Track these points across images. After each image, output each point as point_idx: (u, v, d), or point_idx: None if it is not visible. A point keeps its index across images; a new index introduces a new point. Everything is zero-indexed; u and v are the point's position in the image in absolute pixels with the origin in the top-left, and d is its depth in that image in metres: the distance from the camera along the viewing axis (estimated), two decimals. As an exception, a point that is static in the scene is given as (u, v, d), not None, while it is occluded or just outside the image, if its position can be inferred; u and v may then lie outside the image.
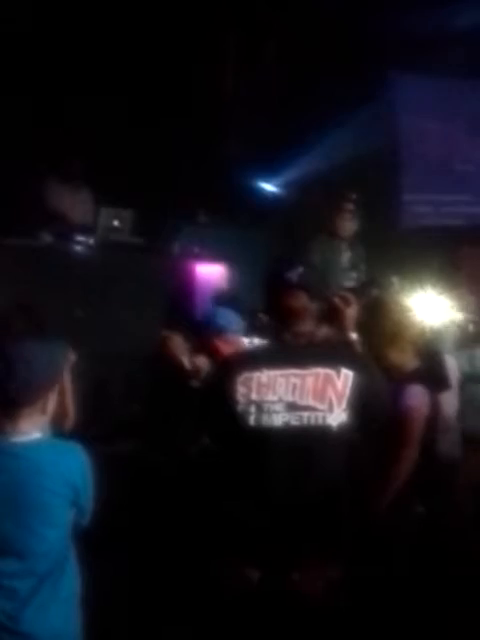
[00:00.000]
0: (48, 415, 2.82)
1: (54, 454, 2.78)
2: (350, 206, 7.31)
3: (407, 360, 3.91)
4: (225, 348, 4.35)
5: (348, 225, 7.30)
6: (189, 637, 3.60)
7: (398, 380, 3.78)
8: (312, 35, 8.27)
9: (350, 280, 7.15)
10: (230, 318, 4.50)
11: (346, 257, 7.33)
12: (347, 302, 3.63)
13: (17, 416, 2.74)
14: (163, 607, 3.96)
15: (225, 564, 3.20)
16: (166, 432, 4.42)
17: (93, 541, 2.94)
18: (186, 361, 4.50)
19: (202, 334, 4.48)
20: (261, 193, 8.95)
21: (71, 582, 2.83)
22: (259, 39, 8.91)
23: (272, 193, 9.00)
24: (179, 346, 4.57)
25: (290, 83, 8.58)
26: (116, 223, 7.18)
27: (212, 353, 4.37)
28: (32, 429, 2.77)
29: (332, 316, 3.59)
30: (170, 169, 8.09)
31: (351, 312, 3.64)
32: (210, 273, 7.25)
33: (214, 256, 7.26)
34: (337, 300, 3.62)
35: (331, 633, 3.15)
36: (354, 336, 3.69)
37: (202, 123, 8.38)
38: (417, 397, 3.76)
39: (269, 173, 8.83)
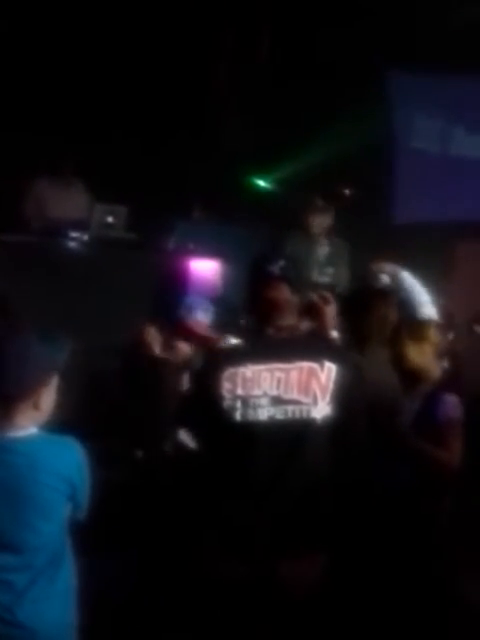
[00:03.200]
0: (43, 411, 2.80)
1: (50, 449, 2.79)
2: (321, 202, 7.28)
3: (430, 363, 3.93)
4: (191, 329, 4.44)
5: (319, 220, 7.25)
6: (181, 631, 3.61)
7: (432, 388, 3.87)
8: (308, 30, 8.27)
9: (326, 276, 7.15)
10: (197, 303, 4.57)
11: (322, 253, 7.30)
12: (326, 300, 3.66)
13: (12, 411, 2.74)
14: (156, 601, 3.97)
15: (212, 557, 3.22)
16: (143, 426, 4.43)
17: (89, 536, 2.94)
18: (157, 349, 4.55)
19: (174, 319, 4.55)
20: (256, 189, 8.95)
21: (68, 576, 2.83)
22: (254, 34, 8.90)
23: (267, 189, 9.00)
24: (153, 335, 4.61)
25: (286, 79, 8.57)
26: (110, 219, 7.16)
27: (183, 335, 4.43)
28: (28, 424, 2.77)
29: (312, 314, 3.60)
30: (165, 165, 8.08)
31: (330, 310, 3.67)
32: (204, 269, 7.23)
33: (209, 252, 7.25)
34: (316, 298, 3.63)
35: (318, 623, 3.18)
36: (335, 334, 3.71)
37: (197, 119, 8.38)
38: (456, 408, 3.84)
39: (264, 169, 8.84)
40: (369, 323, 4.12)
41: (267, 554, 3.17)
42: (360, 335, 4.04)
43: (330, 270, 7.25)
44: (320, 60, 8.33)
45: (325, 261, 7.30)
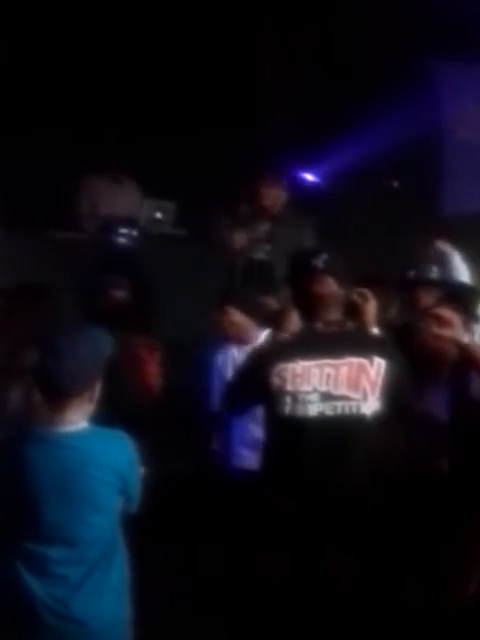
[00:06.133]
0: (93, 404, 2.84)
1: (101, 443, 2.82)
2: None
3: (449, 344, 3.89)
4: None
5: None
6: (227, 622, 3.62)
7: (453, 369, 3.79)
8: (352, 21, 8.22)
9: (262, 252, 6.86)
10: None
11: (263, 229, 6.94)
12: (365, 298, 3.63)
13: (65, 407, 2.78)
14: (204, 592, 3.98)
15: (259, 548, 3.24)
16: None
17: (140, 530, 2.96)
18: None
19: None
20: (302, 183, 8.91)
21: (121, 569, 2.86)
22: (298, 26, 8.87)
23: (314, 183, 8.96)
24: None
25: (330, 71, 8.53)
26: (159, 215, 7.19)
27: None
28: (79, 419, 2.81)
29: (352, 312, 3.59)
30: (212, 160, 8.09)
31: (371, 308, 3.64)
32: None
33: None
34: (356, 296, 3.61)
35: (359, 618, 3.18)
36: (375, 331, 3.69)
37: (244, 114, 8.37)
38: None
39: (311, 163, 8.80)
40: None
41: (313, 547, 3.17)
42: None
43: (267, 247, 6.92)
44: (367, 49, 8.27)
45: (264, 237, 6.94)
